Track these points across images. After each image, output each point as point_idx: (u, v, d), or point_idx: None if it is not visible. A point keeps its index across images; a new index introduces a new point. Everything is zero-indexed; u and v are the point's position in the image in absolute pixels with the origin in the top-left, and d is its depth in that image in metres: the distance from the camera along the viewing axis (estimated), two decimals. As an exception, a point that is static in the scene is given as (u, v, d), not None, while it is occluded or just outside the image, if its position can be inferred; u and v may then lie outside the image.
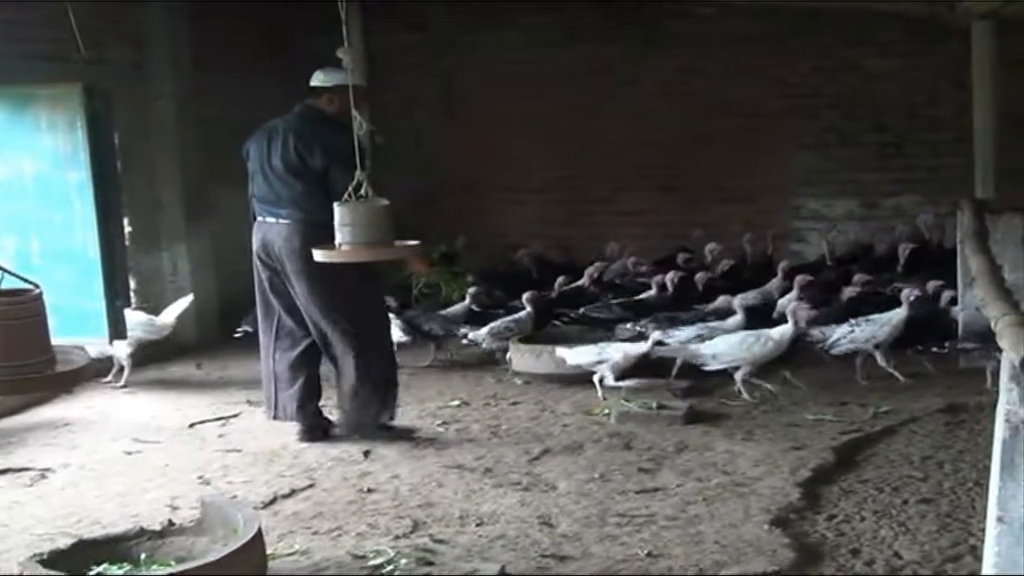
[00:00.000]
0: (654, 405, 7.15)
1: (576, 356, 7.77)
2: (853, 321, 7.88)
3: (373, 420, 6.86)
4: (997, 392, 3.99)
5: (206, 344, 9.77)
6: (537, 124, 11.67)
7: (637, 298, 9.21)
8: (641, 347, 7.64)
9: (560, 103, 11.64)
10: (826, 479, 5.89)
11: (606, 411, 7.27)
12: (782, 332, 7.50)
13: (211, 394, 8.31)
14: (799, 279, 8.72)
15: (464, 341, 8.96)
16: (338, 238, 5.75)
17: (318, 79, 6.75)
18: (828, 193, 11.35)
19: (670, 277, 9.19)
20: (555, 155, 11.76)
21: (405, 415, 7.23)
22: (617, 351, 7.62)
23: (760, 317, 8.16)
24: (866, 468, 6.07)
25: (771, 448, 6.41)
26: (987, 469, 3.99)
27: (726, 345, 7.53)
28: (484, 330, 8.77)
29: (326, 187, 6.49)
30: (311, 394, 6.97)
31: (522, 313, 8.87)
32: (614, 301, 9.13)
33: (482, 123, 11.86)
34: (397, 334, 8.17)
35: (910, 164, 11.06)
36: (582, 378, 7.89)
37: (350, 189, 5.77)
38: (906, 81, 10.97)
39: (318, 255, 5.83)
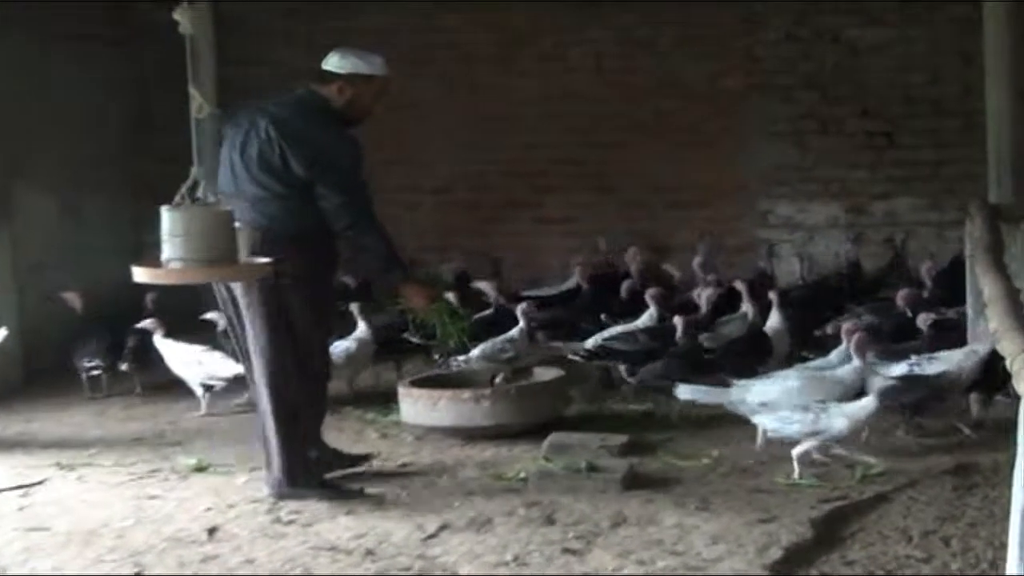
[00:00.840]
0: (583, 466, 7.10)
1: (778, 424, 7.18)
2: (914, 359, 7.72)
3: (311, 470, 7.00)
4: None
5: (3, 390, 9.58)
6: (437, 108, 11.64)
7: (662, 324, 9.20)
8: (868, 406, 7.03)
9: (465, 81, 11.63)
10: (802, 560, 5.86)
11: (521, 475, 7.23)
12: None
13: (9, 455, 8.16)
14: (773, 296, 8.90)
15: (453, 366, 8.94)
16: (165, 253, 5.67)
17: (331, 62, 6.85)
18: (804, 195, 11.46)
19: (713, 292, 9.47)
20: (459, 147, 11.75)
21: (248, 482, 7.21)
22: (838, 417, 6.99)
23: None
24: (852, 546, 6.06)
25: (732, 521, 6.39)
26: (1004, 547, 3.99)
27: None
28: (475, 352, 8.79)
29: (308, 194, 6.64)
30: None
31: (515, 331, 8.99)
32: (637, 327, 9.15)
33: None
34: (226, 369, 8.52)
35: (906, 159, 11.21)
36: (490, 433, 7.86)
37: (183, 190, 5.71)
38: (900, 55, 11.10)
39: (138, 274, 5.75)
